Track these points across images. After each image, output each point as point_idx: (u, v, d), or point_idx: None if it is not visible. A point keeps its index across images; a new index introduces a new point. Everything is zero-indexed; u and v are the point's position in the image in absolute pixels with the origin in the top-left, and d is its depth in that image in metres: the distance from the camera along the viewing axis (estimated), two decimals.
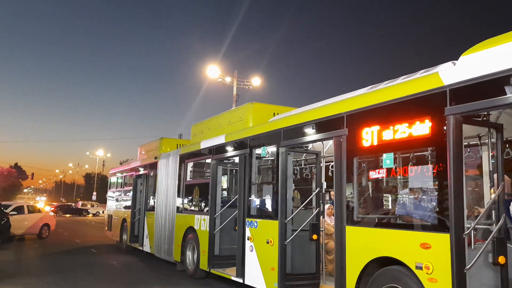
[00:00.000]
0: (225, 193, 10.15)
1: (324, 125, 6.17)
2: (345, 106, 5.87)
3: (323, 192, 7.03)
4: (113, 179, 18.30)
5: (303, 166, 8.16)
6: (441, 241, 4.20)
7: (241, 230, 7.89)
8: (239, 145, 8.34)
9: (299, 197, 8.12)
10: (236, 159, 8.74)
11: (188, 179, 10.83)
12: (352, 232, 5.39)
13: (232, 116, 9.54)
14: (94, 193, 61.15)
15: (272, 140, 7.29)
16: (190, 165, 10.86)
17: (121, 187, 16.87)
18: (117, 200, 17.30)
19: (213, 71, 22.09)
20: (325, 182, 7.04)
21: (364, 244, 5.18)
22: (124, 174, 16.51)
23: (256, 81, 23.97)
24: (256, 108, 8.83)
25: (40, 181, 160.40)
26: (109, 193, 18.66)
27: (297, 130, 6.70)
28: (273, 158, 7.48)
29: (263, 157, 7.55)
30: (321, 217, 6.95)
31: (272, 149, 7.39)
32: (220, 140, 9.15)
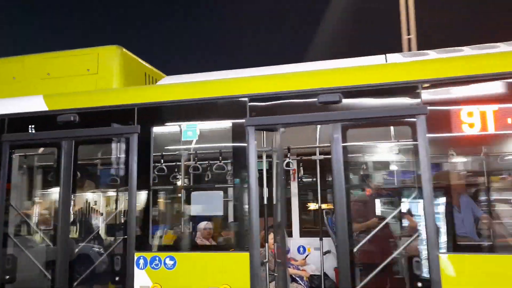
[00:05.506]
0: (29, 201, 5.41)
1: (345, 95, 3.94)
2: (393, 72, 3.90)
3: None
4: None
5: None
6: None
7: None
8: (107, 116, 4.51)
9: None
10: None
11: None
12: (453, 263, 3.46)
13: (63, 62, 5.16)
14: None
15: (227, 113, 4.20)
16: None
17: None
18: None
19: None
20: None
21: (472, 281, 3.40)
22: None
23: None
24: (125, 58, 5.12)
25: None
26: None
27: (287, 103, 4.08)
28: (196, 140, 4.37)
29: (188, 140, 4.29)
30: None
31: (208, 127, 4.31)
32: (32, 104, 4.79)
